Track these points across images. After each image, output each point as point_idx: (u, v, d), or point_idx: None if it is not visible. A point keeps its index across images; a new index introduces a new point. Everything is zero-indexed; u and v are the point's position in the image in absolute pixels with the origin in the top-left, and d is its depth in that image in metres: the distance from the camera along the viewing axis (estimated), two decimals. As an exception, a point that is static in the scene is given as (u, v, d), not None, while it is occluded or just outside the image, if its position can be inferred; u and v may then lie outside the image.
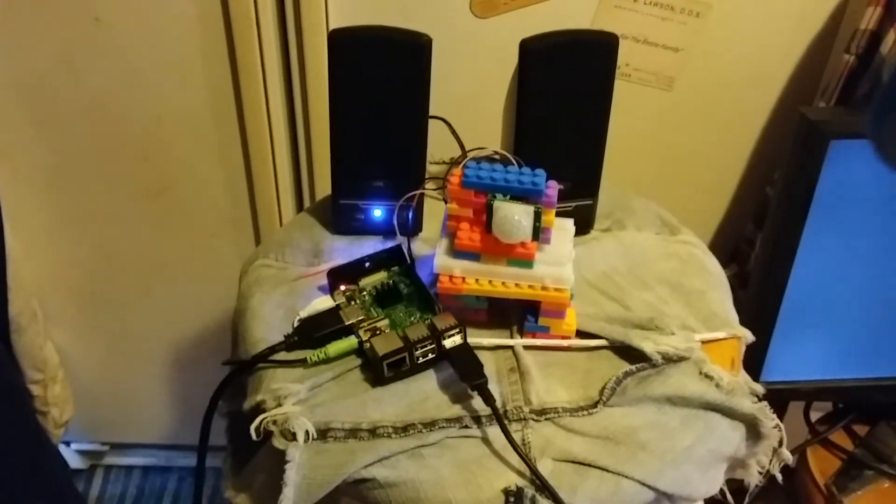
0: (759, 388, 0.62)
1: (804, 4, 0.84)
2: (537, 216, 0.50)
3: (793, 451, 0.95)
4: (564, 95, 0.58)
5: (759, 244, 0.89)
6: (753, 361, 0.83)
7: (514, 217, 0.50)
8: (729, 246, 1.04)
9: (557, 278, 0.52)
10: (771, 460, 0.55)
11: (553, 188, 0.51)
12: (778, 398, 0.95)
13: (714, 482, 0.54)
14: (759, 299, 0.80)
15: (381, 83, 0.57)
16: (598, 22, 0.85)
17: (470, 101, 0.83)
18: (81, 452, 1.35)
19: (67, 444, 1.33)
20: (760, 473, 0.58)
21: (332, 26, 0.83)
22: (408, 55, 0.56)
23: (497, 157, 0.61)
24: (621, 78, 0.89)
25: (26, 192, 0.98)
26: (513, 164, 0.55)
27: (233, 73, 0.87)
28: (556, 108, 0.58)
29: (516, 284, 0.53)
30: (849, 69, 0.79)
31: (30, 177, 0.97)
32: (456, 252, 0.53)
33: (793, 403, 0.99)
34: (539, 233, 0.51)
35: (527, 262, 0.52)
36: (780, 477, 0.56)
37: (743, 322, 0.82)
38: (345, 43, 0.55)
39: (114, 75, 0.88)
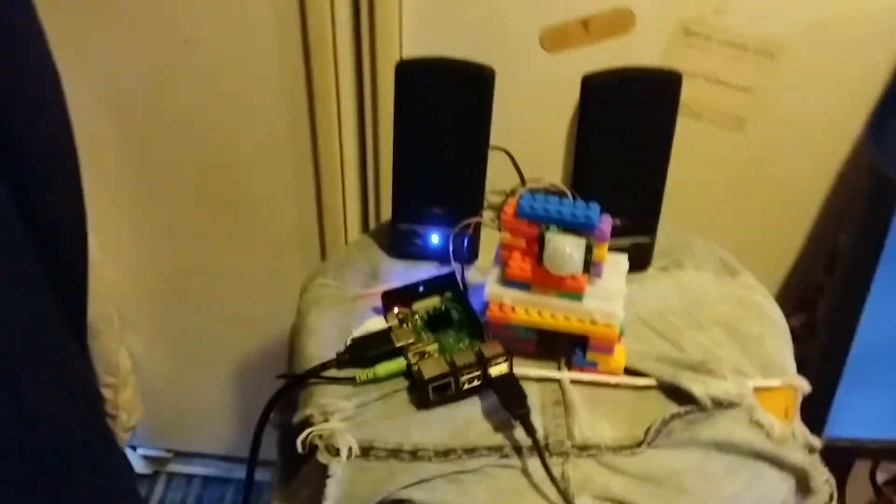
0: (816, 442, 0.60)
1: (882, 52, 0.82)
2: (588, 249, 0.51)
3: (858, 512, 0.92)
4: (625, 132, 0.58)
5: (828, 292, 0.86)
6: (817, 414, 0.81)
7: (566, 249, 0.50)
8: (798, 293, 1.01)
9: (607, 313, 0.52)
10: (822, 516, 0.53)
11: (606, 222, 0.51)
12: (842, 455, 0.92)
13: (761, 533, 0.52)
14: (825, 349, 0.78)
15: (444, 113, 0.58)
16: (669, 60, 0.85)
17: (533, 133, 0.84)
18: (147, 458, 1.40)
19: (134, 448, 1.37)
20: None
21: (405, 56, 0.85)
22: (472, 87, 0.57)
23: (553, 189, 0.61)
24: (691, 117, 0.88)
25: (110, 202, 1.03)
26: (568, 198, 0.56)
27: (309, 98, 0.91)
28: (617, 145, 0.59)
29: (565, 317, 0.53)
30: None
31: (116, 187, 1.02)
32: (507, 281, 0.53)
33: (860, 463, 0.96)
34: (590, 266, 0.51)
35: (577, 295, 0.52)
36: (830, 533, 0.54)
37: (808, 372, 0.80)
38: (411, 73, 0.57)
39: (198, 96, 0.93)
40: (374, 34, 0.84)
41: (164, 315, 1.17)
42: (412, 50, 0.86)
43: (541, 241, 0.51)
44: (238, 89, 0.92)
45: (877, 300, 0.73)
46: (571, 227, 0.51)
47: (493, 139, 0.70)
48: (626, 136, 0.58)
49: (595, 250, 0.51)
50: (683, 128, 0.89)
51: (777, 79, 0.86)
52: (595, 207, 0.51)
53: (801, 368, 0.60)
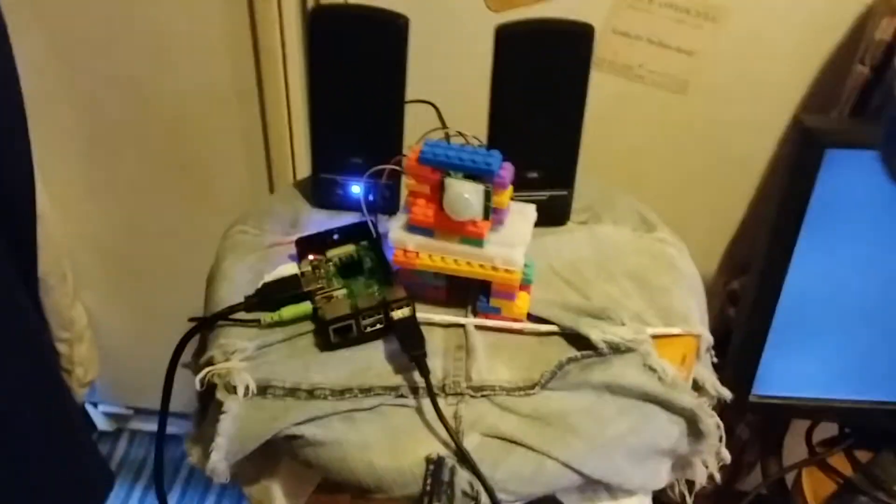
0: (726, 392, 0.62)
1: (825, 15, 0.82)
2: (487, 195, 0.51)
3: (788, 471, 0.93)
4: (539, 84, 0.59)
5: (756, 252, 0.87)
6: (745, 372, 0.82)
7: (464, 194, 0.51)
8: (743, 255, 1.02)
9: (507, 259, 0.53)
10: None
11: (507, 170, 0.52)
12: (774, 413, 0.94)
13: (654, 476, 0.53)
14: (751, 308, 0.78)
15: (359, 61, 0.59)
16: (612, 21, 0.85)
17: (477, 90, 0.85)
18: (108, 415, 1.41)
19: (95, 405, 1.39)
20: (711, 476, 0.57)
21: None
22: (385, 35, 0.58)
23: (462, 138, 0.62)
24: (634, 79, 0.89)
25: (62, 159, 1.03)
26: (472, 145, 0.56)
27: (255, 52, 0.91)
28: (530, 97, 0.59)
29: (467, 263, 0.54)
30: (863, 81, 0.77)
31: (66, 144, 1.02)
32: (411, 227, 0.54)
33: (798, 423, 0.97)
34: (489, 212, 0.52)
35: (477, 241, 0.53)
36: (718, 477, 0.56)
37: (736, 332, 0.81)
38: (324, 20, 0.57)
39: (145, 51, 0.93)
40: (317, -15, 0.84)
41: (120, 271, 1.18)
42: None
43: (442, 187, 0.52)
44: (184, 43, 0.92)
45: (801, 260, 0.74)
46: (472, 173, 0.52)
47: (437, 95, 0.71)
48: (540, 88, 0.59)
49: (494, 197, 0.52)
50: (627, 90, 0.90)
51: (720, 42, 0.86)
52: (496, 154, 0.52)
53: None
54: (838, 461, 0.89)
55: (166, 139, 1.00)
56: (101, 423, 1.42)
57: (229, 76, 0.93)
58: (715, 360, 0.64)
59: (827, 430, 0.94)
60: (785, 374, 0.83)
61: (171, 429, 1.38)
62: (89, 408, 1.39)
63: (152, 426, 1.41)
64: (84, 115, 0.99)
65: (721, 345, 0.91)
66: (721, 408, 0.62)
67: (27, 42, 0.90)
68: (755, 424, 0.99)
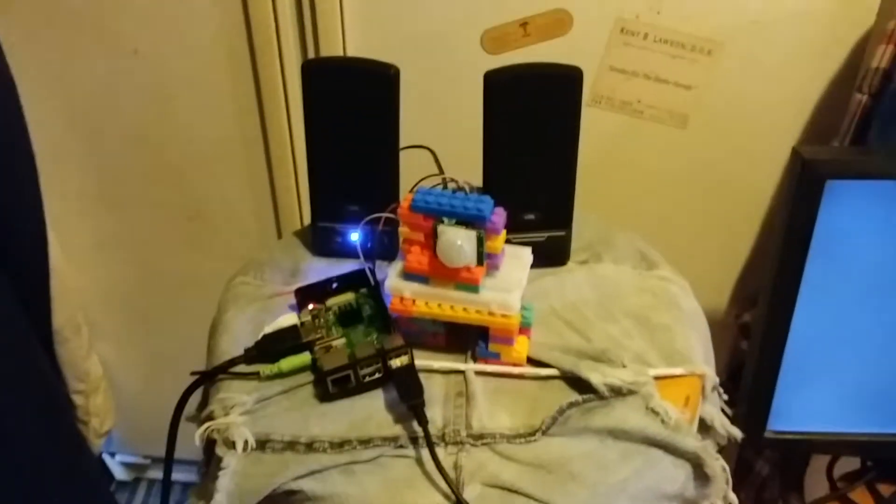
0: (736, 432, 0.61)
1: (821, 44, 0.82)
2: (480, 241, 0.51)
3: (811, 507, 0.91)
4: (530, 128, 0.59)
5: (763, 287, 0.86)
6: (759, 408, 0.81)
7: (457, 242, 0.51)
8: (753, 287, 1.01)
9: (503, 304, 0.53)
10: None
11: (499, 215, 0.52)
12: (791, 448, 0.92)
13: (661, 522, 0.52)
14: (761, 342, 0.77)
15: (352, 111, 0.59)
16: (608, 59, 0.86)
17: (474, 134, 0.85)
18: (126, 465, 1.41)
19: (112, 455, 1.39)
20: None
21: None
22: (377, 85, 0.58)
23: (455, 184, 0.62)
24: (633, 115, 0.89)
25: (75, 211, 1.05)
26: (465, 192, 0.57)
27: (258, 102, 0.92)
28: (522, 140, 0.59)
29: (464, 309, 0.54)
30: (862, 109, 0.77)
31: (78, 196, 1.04)
32: (406, 274, 0.54)
33: (819, 458, 0.95)
34: (483, 258, 0.52)
35: (472, 287, 0.53)
36: (727, 520, 0.54)
37: (748, 368, 0.80)
38: (316, 72, 0.58)
39: (151, 104, 0.95)
40: (317, 37, 0.86)
41: (134, 322, 1.19)
42: (356, 53, 0.87)
43: (435, 234, 0.52)
44: (188, 95, 0.93)
45: (808, 293, 0.73)
46: (465, 219, 0.52)
47: (435, 140, 0.71)
48: (532, 131, 0.59)
49: (488, 242, 0.52)
50: (626, 127, 0.90)
51: (717, 75, 0.86)
52: (487, 200, 0.52)
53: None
54: (860, 496, 0.87)
55: (174, 190, 1.02)
56: (119, 473, 1.42)
57: (234, 126, 0.95)
58: (725, 397, 0.63)
59: (848, 463, 0.92)
60: (801, 408, 0.81)
61: (186, 476, 1.38)
62: (106, 458, 1.39)
63: (173, 475, 1.40)
64: (93, 168, 1.01)
65: (736, 379, 0.90)
66: (739, 444, 0.61)
67: (37, 96, 0.93)
68: (774, 460, 0.97)
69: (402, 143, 0.63)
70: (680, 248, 0.98)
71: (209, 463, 0.59)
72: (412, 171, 0.67)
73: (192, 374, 0.59)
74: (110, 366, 1.23)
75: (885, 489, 0.87)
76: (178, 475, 1.40)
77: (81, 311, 1.12)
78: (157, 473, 1.42)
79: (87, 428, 1.20)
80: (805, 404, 0.81)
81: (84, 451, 1.12)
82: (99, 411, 1.21)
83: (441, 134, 0.77)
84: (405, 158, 0.64)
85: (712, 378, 0.58)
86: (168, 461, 0.60)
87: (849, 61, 0.82)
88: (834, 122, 0.83)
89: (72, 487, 1.05)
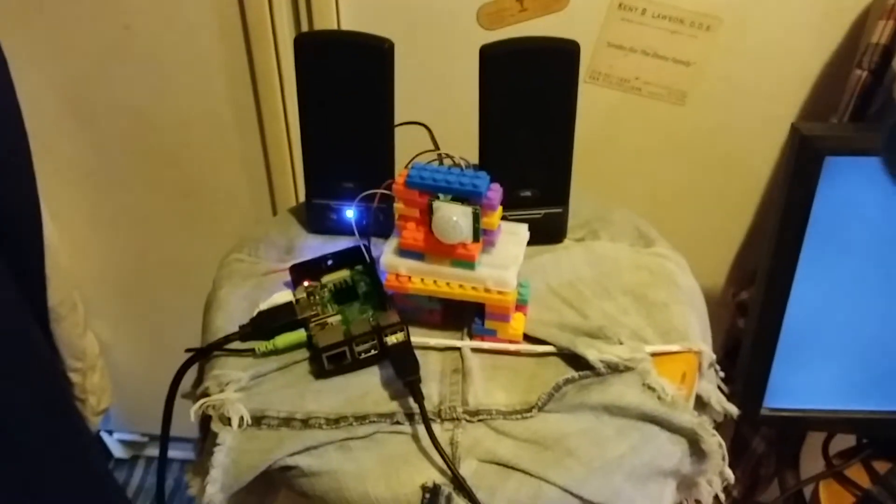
0: (732, 408, 0.61)
1: (821, 20, 0.81)
2: (476, 217, 0.51)
3: (805, 484, 0.92)
4: (526, 103, 0.58)
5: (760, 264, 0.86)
6: (755, 385, 0.81)
7: (452, 217, 0.50)
8: (751, 265, 1.01)
9: (499, 281, 0.53)
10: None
11: (495, 191, 0.51)
12: (787, 426, 0.92)
13: (657, 498, 0.52)
14: (758, 320, 0.77)
15: (346, 87, 0.59)
16: (606, 35, 0.85)
17: (470, 109, 0.85)
18: (124, 443, 1.42)
19: (110, 432, 1.39)
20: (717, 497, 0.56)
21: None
22: (371, 60, 0.58)
23: (450, 160, 0.62)
24: (631, 92, 0.88)
25: (69, 189, 1.05)
26: (460, 168, 0.56)
27: (252, 78, 0.91)
28: (519, 116, 0.59)
29: (460, 285, 0.54)
30: (862, 85, 0.76)
31: (72, 174, 1.03)
32: (401, 251, 0.54)
33: (814, 435, 0.95)
34: (479, 234, 0.52)
35: (468, 264, 0.53)
36: (723, 497, 0.55)
37: (745, 345, 0.80)
38: (309, 47, 0.57)
39: (143, 81, 0.94)
40: (311, 10, 0.85)
41: (130, 299, 1.18)
42: (349, 27, 0.86)
43: (430, 211, 0.52)
44: (181, 71, 0.92)
45: (806, 270, 0.72)
46: (460, 195, 0.51)
47: (431, 116, 0.71)
48: (528, 107, 0.58)
49: (484, 218, 0.52)
50: (624, 103, 0.89)
51: (716, 51, 0.85)
52: (483, 176, 0.51)
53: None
54: (856, 473, 0.87)
55: (169, 167, 1.01)
56: (117, 451, 1.43)
57: (228, 103, 0.94)
58: (722, 374, 0.62)
59: (844, 441, 0.92)
60: (797, 386, 0.81)
61: (184, 454, 1.38)
62: (104, 436, 1.39)
63: (169, 452, 1.41)
64: (87, 145, 1.00)
65: (732, 357, 0.90)
66: (735, 421, 0.61)
67: (29, 75, 0.92)
68: (771, 437, 0.97)
69: (398, 118, 0.62)
70: (678, 225, 0.97)
71: (205, 439, 0.59)
72: (408, 147, 0.66)
73: (187, 350, 0.59)
74: (107, 344, 1.23)
75: (880, 466, 0.87)
76: (176, 452, 1.40)
77: (77, 290, 1.11)
78: (155, 451, 1.43)
79: (84, 406, 1.20)
80: (801, 382, 0.81)
81: (82, 429, 1.12)
82: (96, 389, 1.21)
83: (437, 110, 0.77)
84: (400, 134, 0.64)
85: (709, 355, 0.58)
86: (164, 438, 0.60)
87: (848, 37, 0.82)
88: (833, 98, 0.83)
89: (70, 465, 1.05)
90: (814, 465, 0.93)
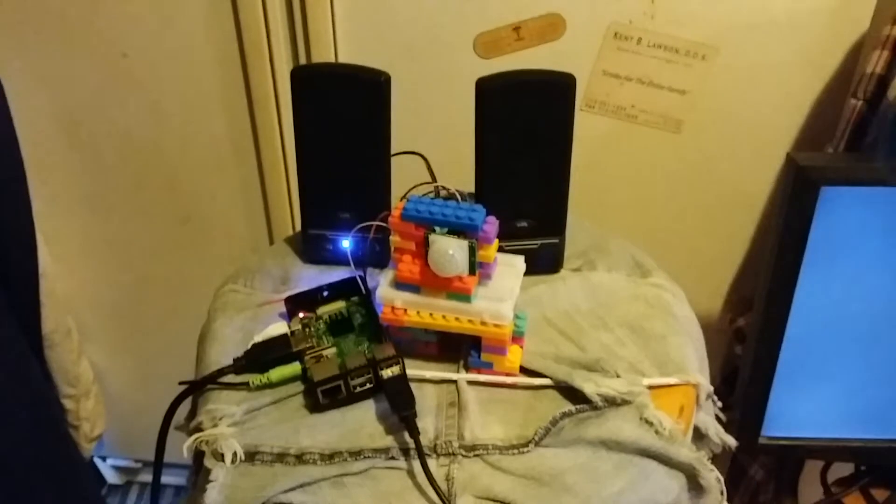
0: (730, 440, 0.60)
1: (816, 49, 0.82)
2: (472, 251, 0.51)
3: (804, 513, 0.91)
4: (522, 135, 0.58)
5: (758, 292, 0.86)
6: (753, 413, 0.80)
7: (448, 251, 0.50)
8: (748, 292, 1.00)
9: (495, 314, 0.52)
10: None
11: (492, 224, 0.51)
12: (785, 454, 0.92)
13: (655, 533, 0.52)
14: (755, 348, 0.77)
15: (342, 119, 0.59)
16: (602, 63, 0.85)
17: (467, 140, 0.85)
18: (117, 468, 1.41)
19: (104, 458, 1.38)
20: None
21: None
22: (367, 93, 0.58)
23: (447, 191, 0.61)
24: (627, 120, 0.89)
25: (65, 215, 1.04)
26: (457, 200, 0.56)
27: (249, 107, 0.92)
28: (515, 148, 0.59)
29: (456, 318, 0.53)
30: (857, 114, 0.77)
31: (68, 200, 1.03)
32: (397, 283, 0.54)
33: (813, 463, 0.95)
34: (475, 267, 0.52)
35: (465, 297, 0.52)
36: (722, 532, 0.54)
37: (743, 373, 0.79)
38: (306, 79, 0.58)
39: (141, 108, 0.94)
40: (308, 42, 0.85)
41: (125, 326, 1.18)
42: (347, 57, 0.87)
43: (426, 243, 0.51)
44: (178, 100, 0.93)
45: (803, 299, 0.72)
46: (456, 228, 0.51)
47: (428, 146, 0.71)
48: (524, 138, 0.58)
49: (480, 251, 0.51)
50: (620, 131, 0.90)
51: (712, 80, 0.86)
52: (479, 209, 0.51)
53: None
54: (854, 501, 0.87)
55: (165, 194, 1.01)
56: (111, 477, 1.41)
57: (225, 131, 0.94)
58: (720, 404, 0.62)
59: (842, 468, 0.91)
60: (795, 414, 0.81)
61: (178, 479, 1.37)
62: (98, 462, 1.38)
63: (164, 478, 1.40)
64: (83, 171, 1.00)
65: (731, 383, 0.90)
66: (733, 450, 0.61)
67: (26, 101, 0.92)
68: (769, 465, 0.97)
69: (395, 148, 0.62)
70: (675, 253, 0.98)
71: (199, 474, 0.59)
72: (405, 177, 0.66)
73: (181, 384, 0.58)
74: (101, 370, 1.22)
75: (879, 494, 0.87)
76: (170, 479, 1.40)
77: (71, 316, 1.11)
78: (148, 477, 1.41)
79: (77, 432, 1.19)
80: (799, 410, 0.81)
81: (75, 456, 1.11)
82: (90, 416, 1.20)
83: (434, 139, 0.77)
84: (398, 164, 0.64)
85: (706, 387, 0.57)
86: (157, 472, 0.59)
87: (844, 66, 0.82)
88: (829, 127, 0.83)
89: (62, 492, 1.04)
90: (813, 492, 0.92)
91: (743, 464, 1.00)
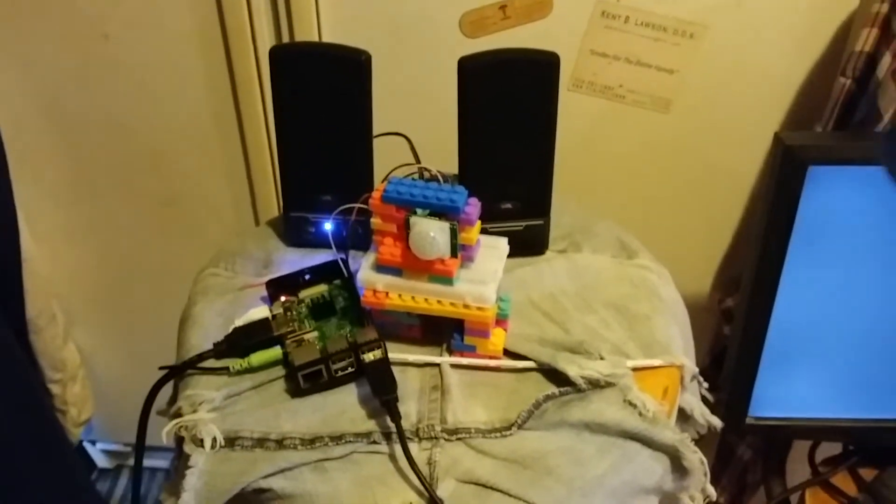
0: (716, 421, 0.60)
1: (804, 28, 0.81)
2: (453, 233, 0.50)
3: (792, 492, 0.91)
4: (506, 115, 0.57)
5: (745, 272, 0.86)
6: (740, 393, 0.80)
7: (430, 233, 0.50)
8: (736, 272, 1.00)
9: (478, 296, 0.52)
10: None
11: (474, 206, 0.51)
12: (772, 435, 0.92)
13: (639, 515, 0.52)
14: (742, 328, 0.77)
15: (323, 99, 0.58)
16: (588, 42, 0.84)
17: (452, 121, 0.84)
18: (107, 452, 1.40)
19: (93, 443, 1.38)
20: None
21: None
22: (348, 72, 0.57)
23: (429, 173, 0.61)
24: (615, 100, 0.88)
25: (47, 198, 1.03)
26: (438, 182, 0.55)
27: (232, 87, 0.90)
28: (499, 128, 0.58)
29: (438, 301, 0.53)
30: (846, 93, 0.76)
31: (50, 183, 1.02)
32: (379, 266, 0.53)
33: (800, 443, 0.95)
34: (457, 250, 0.51)
35: (446, 279, 0.52)
36: (705, 513, 0.54)
37: (730, 353, 0.79)
38: (285, 59, 0.56)
39: (122, 89, 0.92)
40: (291, 21, 0.84)
41: (110, 309, 1.17)
42: (331, 37, 0.85)
43: (407, 226, 0.51)
44: (160, 81, 0.91)
45: (790, 279, 0.72)
46: (438, 210, 0.51)
47: (412, 127, 0.70)
48: (508, 119, 0.58)
49: (461, 234, 0.51)
50: (608, 111, 0.89)
51: (700, 59, 0.85)
52: (461, 191, 0.50)
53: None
54: (842, 480, 0.87)
55: (148, 176, 1.00)
56: (101, 461, 1.41)
57: (208, 112, 0.93)
58: (706, 385, 0.62)
59: (830, 448, 0.92)
60: (782, 394, 0.81)
61: (166, 462, 1.36)
62: (88, 446, 1.38)
63: (152, 462, 1.40)
64: (65, 154, 0.99)
65: (719, 363, 0.89)
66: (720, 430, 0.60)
67: (6, 83, 0.90)
68: (757, 445, 0.97)
69: (379, 129, 0.61)
70: (662, 233, 0.97)
71: (180, 459, 0.58)
72: (388, 157, 0.65)
73: (161, 368, 0.58)
74: (88, 353, 1.21)
75: (866, 474, 0.87)
76: (158, 462, 1.39)
77: (56, 300, 1.10)
78: (138, 461, 1.41)
79: (65, 417, 1.19)
80: (787, 390, 0.80)
81: (62, 441, 1.10)
82: (77, 400, 1.19)
83: (418, 120, 0.76)
84: (381, 145, 0.63)
85: (691, 368, 0.57)
86: (138, 458, 0.59)
87: (833, 44, 0.81)
88: (817, 106, 0.82)
89: (51, 477, 1.04)
90: (800, 471, 0.92)
91: (731, 444, 1.00)
